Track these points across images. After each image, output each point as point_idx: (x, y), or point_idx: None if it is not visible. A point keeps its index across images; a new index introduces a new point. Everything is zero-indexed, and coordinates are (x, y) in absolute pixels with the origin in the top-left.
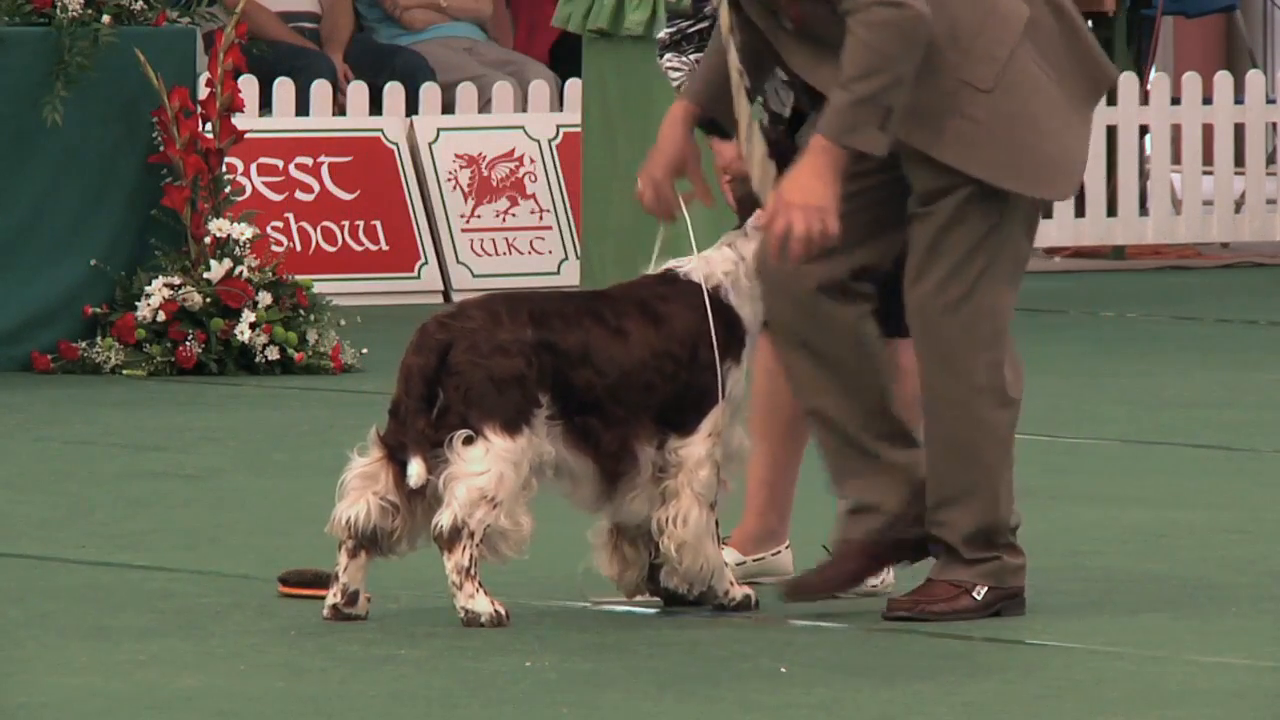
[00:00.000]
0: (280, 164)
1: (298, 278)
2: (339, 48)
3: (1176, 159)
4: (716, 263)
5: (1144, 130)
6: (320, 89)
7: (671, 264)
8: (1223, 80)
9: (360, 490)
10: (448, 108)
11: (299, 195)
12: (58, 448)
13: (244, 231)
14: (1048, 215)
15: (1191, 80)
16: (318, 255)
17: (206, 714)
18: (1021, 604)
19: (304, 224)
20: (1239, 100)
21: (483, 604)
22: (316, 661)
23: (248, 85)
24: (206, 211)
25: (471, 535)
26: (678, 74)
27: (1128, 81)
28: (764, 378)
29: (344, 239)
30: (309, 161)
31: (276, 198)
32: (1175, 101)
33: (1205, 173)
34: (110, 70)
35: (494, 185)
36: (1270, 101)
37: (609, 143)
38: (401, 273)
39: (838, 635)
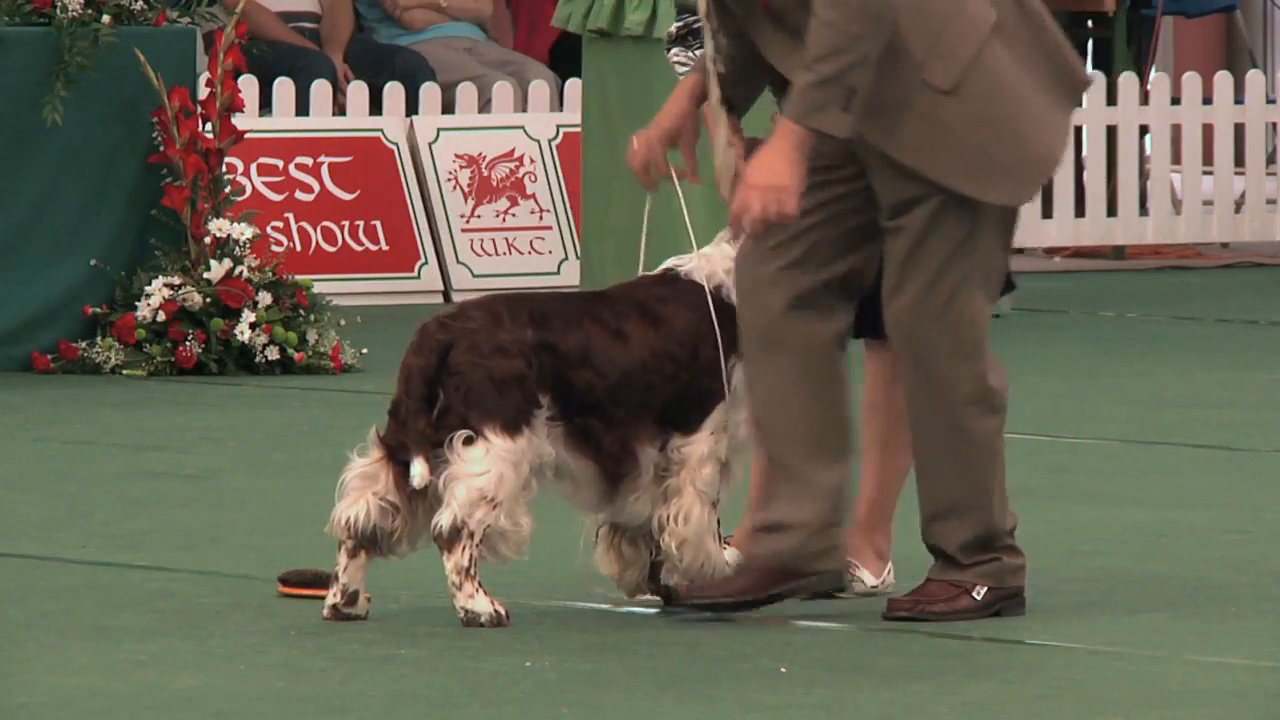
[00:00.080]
0: (280, 164)
1: (298, 278)
2: (339, 48)
3: (1176, 159)
4: (717, 261)
5: (1144, 130)
6: (320, 89)
7: (671, 263)
8: (1223, 80)
9: (360, 490)
10: (448, 108)
11: (299, 195)
12: (58, 448)
13: (244, 231)
14: (1047, 215)
15: (1191, 80)
16: (318, 255)
17: (206, 714)
18: (1021, 604)
19: (304, 224)
20: (1239, 100)
21: (482, 604)
22: (316, 661)
23: (248, 85)
24: (206, 211)
25: (471, 535)
26: (684, 69)
27: (1128, 81)
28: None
29: (344, 239)
30: (309, 161)
31: (276, 198)
32: (1175, 101)
33: (1205, 173)
34: (110, 70)
35: (494, 185)
36: (1270, 101)
37: (609, 143)
38: (401, 273)
39: (838, 635)
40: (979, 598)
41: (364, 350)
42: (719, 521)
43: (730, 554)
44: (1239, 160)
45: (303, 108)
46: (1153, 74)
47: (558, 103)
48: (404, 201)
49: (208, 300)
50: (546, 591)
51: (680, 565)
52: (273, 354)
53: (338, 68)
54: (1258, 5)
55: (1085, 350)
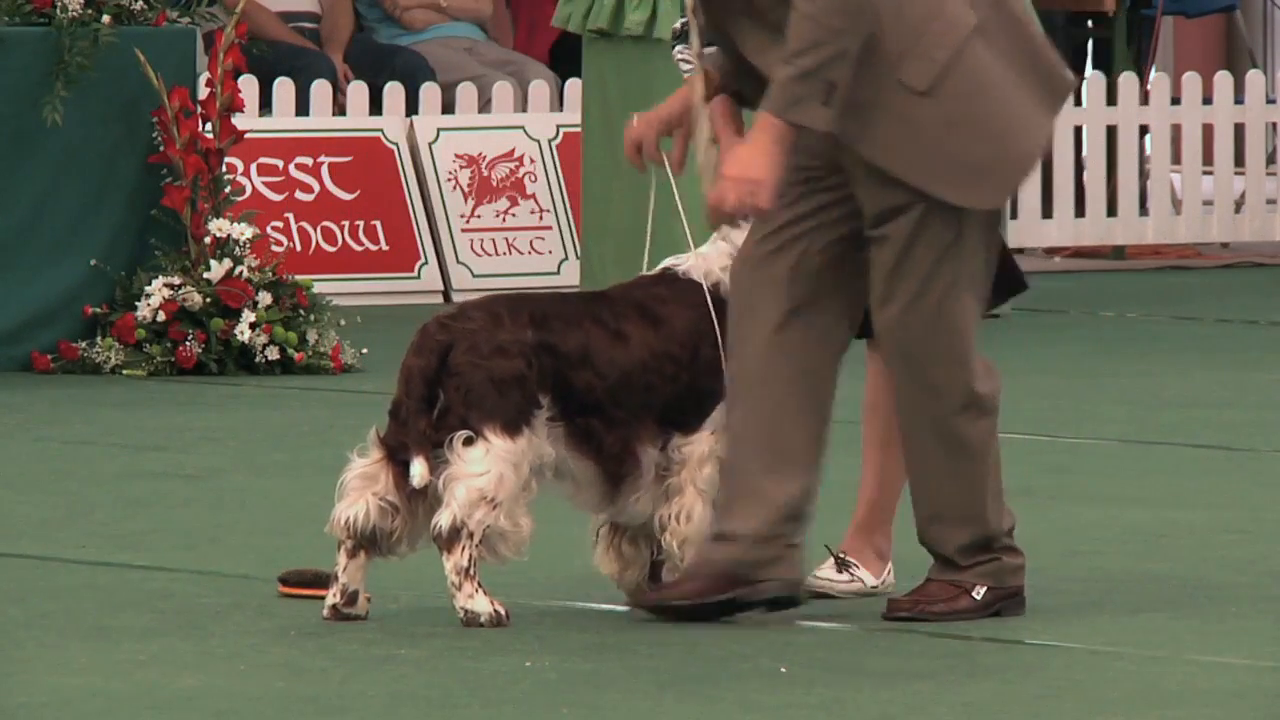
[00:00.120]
0: (280, 164)
1: (298, 278)
2: (339, 48)
3: (1176, 159)
4: (713, 259)
5: (1144, 130)
6: (320, 89)
7: (668, 262)
8: (1223, 80)
9: (360, 490)
10: (448, 108)
11: (299, 195)
12: (58, 448)
13: (244, 231)
14: (1047, 215)
15: (1191, 80)
16: (318, 255)
17: (206, 714)
18: (1021, 603)
19: (304, 224)
20: (1239, 100)
21: (482, 604)
22: (316, 661)
23: (248, 85)
24: (206, 211)
25: (471, 536)
26: (689, 65)
27: (1128, 81)
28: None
29: (344, 239)
30: (309, 161)
31: (276, 198)
32: (1175, 101)
33: (1205, 173)
34: (110, 70)
35: (494, 185)
36: (1270, 101)
37: (609, 143)
38: (401, 273)
39: (838, 635)
40: (979, 598)
41: (364, 350)
42: None
43: None
44: (1239, 160)
45: (303, 108)
46: (1153, 74)
47: (558, 103)
48: (404, 201)
49: (208, 300)
50: (546, 591)
51: (682, 564)
52: (273, 354)
53: (338, 68)
54: (1258, 5)
55: (1085, 350)
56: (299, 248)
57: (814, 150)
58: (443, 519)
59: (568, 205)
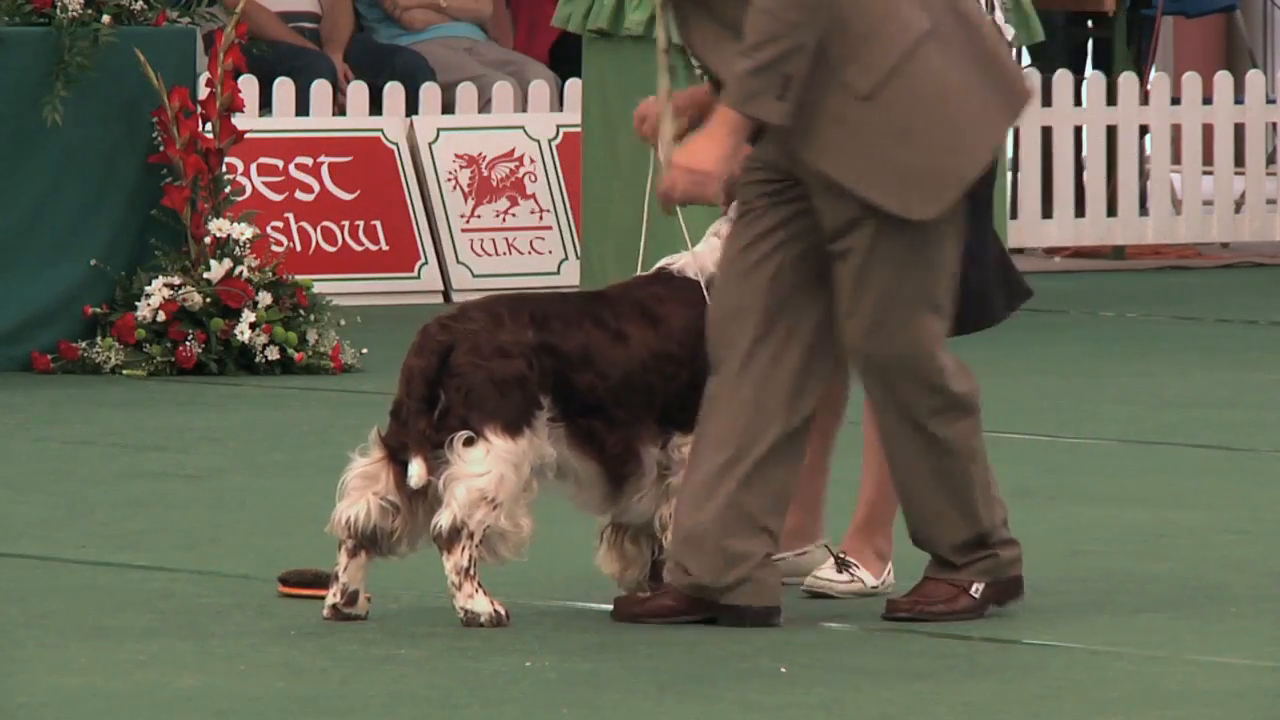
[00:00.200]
0: (280, 164)
1: (298, 278)
2: (339, 48)
3: (1176, 159)
4: (707, 256)
5: (1144, 130)
6: (320, 89)
7: (663, 262)
8: (1223, 80)
9: (361, 490)
10: (448, 108)
11: (299, 195)
12: (58, 448)
13: (244, 231)
14: (1047, 215)
15: (1191, 80)
16: (318, 255)
17: (206, 714)
18: (1020, 587)
19: (304, 224)
20: (1239, 100)
21: (482, 604)
22: (316, 661)
23: (248, 85)
24: (206, 211)
25: (471, 536)
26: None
27: (1128, 81)
28: None
29: (344, 239)
30: (309, 161)
31: (276, 198)
32: (1175, 101)
33: (1205, 173)
34: (110, 70)
35: (494, 185)
36: (1270, 101)
37: (609, 143)
38: (401, 273)
39: (838, 635)
40: (977, 596)
41: (364, 350)
42: None
43: None
44: (1239, 160)
45: (303, 108)
46: (1153, 74)
47: (558, 103)
48: (404, 201)
49: (208, 300)
50: (546, 591)
51: None
52: (273, 354)
53: (338, 68)
54: (1258, 5)
55: (1085, 350)
56: (299, 248)
57: (771, 164)
58: (443, 519)
59: (568, 205)
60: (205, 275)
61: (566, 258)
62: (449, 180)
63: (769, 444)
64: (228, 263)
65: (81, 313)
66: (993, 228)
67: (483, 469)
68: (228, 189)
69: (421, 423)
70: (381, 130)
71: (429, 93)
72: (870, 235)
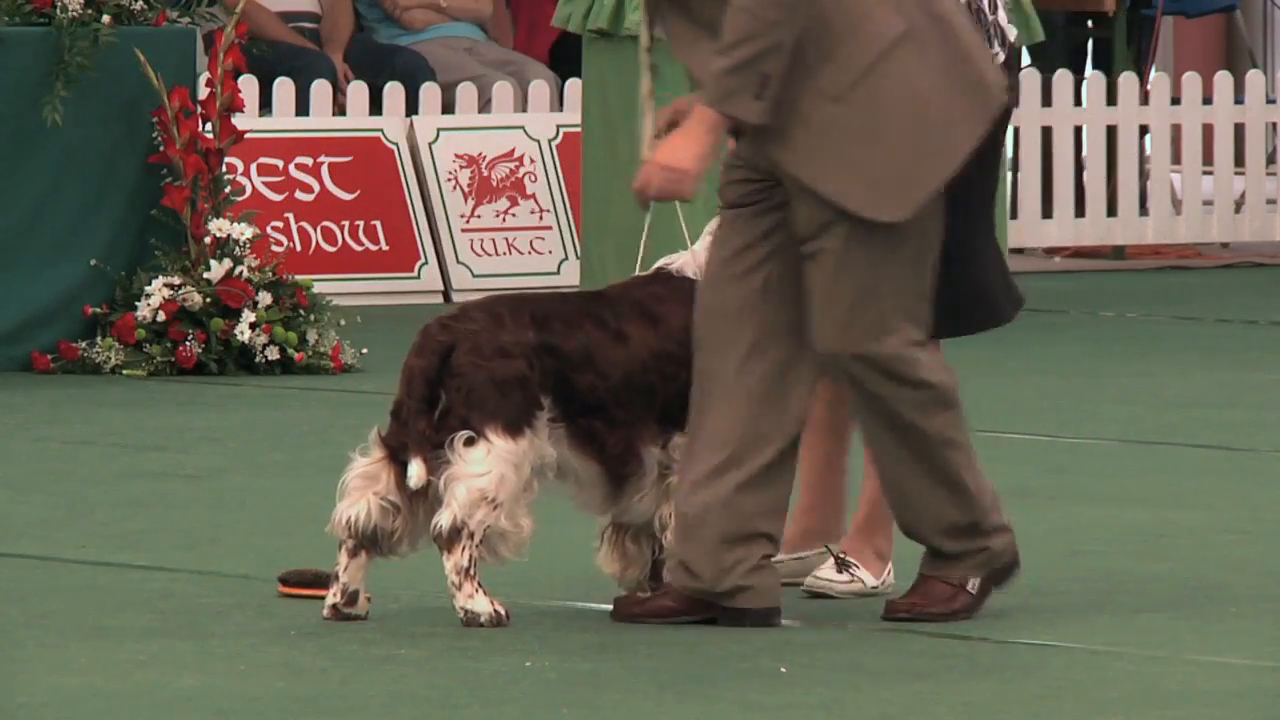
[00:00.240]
0: (280, 164)
1: (298, 278)
2: (339, 48)
3: (1176, 159)
4: (704, 256)
5: (1144, 130)
6: (320, 89)
7: (662, 262)
8: (1223, 80)
9: (361, 490)
10: (448, 108)
11: (299, 195)
12: (58, 448)
13: (244, 231)
14: (1047, 215)
15: (1191, 80)
16: (318, 255)
17: (206, 714)
18: (1016, 565)
19: (304, 224)
20: (1239, 100)
21: (482, 604)
22: (316, 661)
23: (248, 85)
24: (206, 211)
25: (471, 536)
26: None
27: (1128, 81)
28: None
29: (344, 239)
30: (309, 161)
31: (276, 198)
32: (1175, 101)
33: (1205, 173)
34: (110, 70)
35: (494, 185)
36: (1270, 101)
37: (609, 143)
38: (401, 273)
39: (838, 635)
40: (975, 590)
41: (364, 350)
42: None
43: None
44: (1239, 160)
45: (303, 108)
46: (1153, 74)
47: (558, 103)
48: (404, 201)
49: (208, 300)
50: (546, 591)
51: None
52: (273, 354)
53: (338, 68)
54: (1258, 5)
55: (1085, 350)
56: (299, 248)
57: (752, 163)
58: (443, 519)
59: (568, 205)
60: (205, 275)
61: (566, 258)
62: (449, 180)
63: (768, 458)
64: (228, 263)
65: (81, 313)
66: (994, 229)
67: (483, 469)
68: (228, 189)
69: (422, 423)
70: (381, 130)
71: (429, 93)
72: (842, 237)
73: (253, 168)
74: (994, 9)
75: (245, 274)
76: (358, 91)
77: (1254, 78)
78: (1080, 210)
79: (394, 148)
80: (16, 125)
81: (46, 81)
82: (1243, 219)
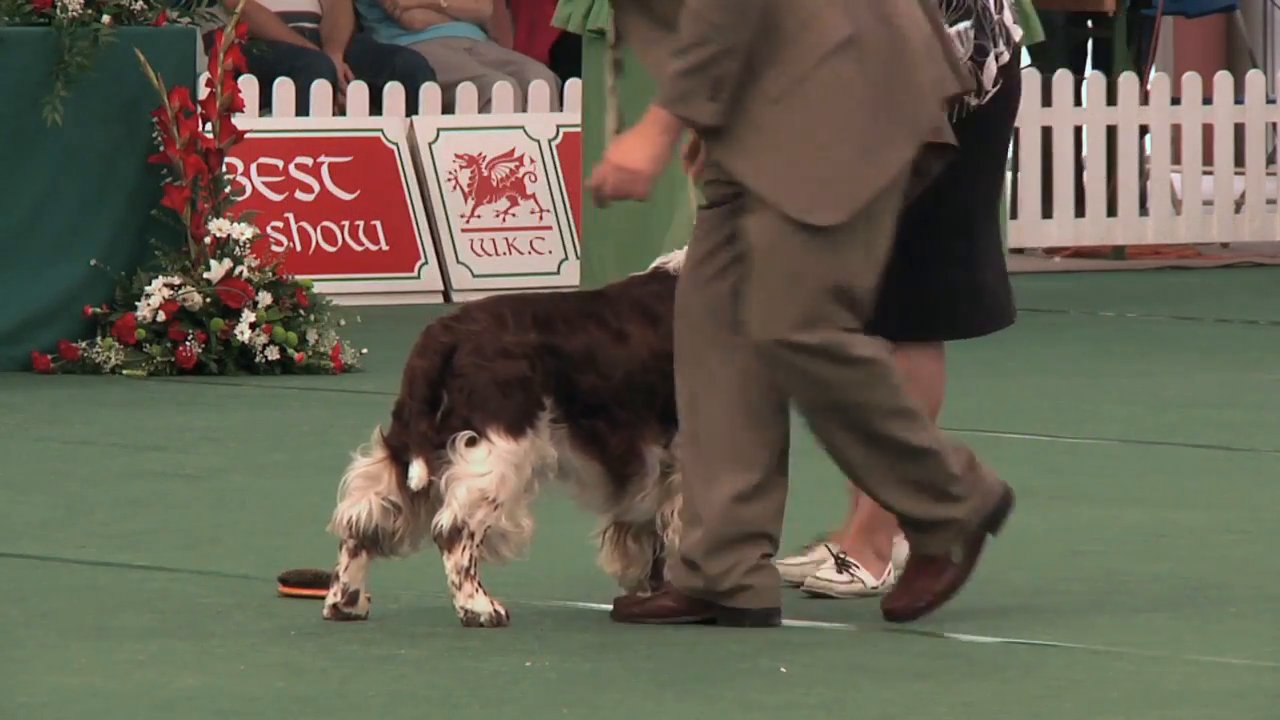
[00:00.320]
0: (280, 164)
1: (298, 278)
2: (339, 48)
3: (1176, 159)
4: None
5: (1144, 130)
6: (320, 89)
7: (660, 261)
8: (1223, 80)
9: (362, 490)
10: (448, 108)
11: (299, 195)
12: (58, 448)
13: (244, 231)
14: (1047, 215)
15: (1191, 80)
16: (318, 255)
17: (206, 714)
18: (1008, 507)
19: (304, 224)
20: (1239, 100)
21: (482, 604)
22: (316, 661)
23: (248, 85)
24: (206, 211)
25: (471, 536)
26: None
27: (1128, 81)
28: None
29: (344, 239)
30: (309, 161)
31: (276, 198)
32: (1175, 101)
33: (1205, 173)
34: (110, 70)
35: (494, 185)
36: (1270, 101)
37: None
38: (401, 273)
39: (838, 635)
40: (959, 560)
41: (364, 350)
42: None
43: (821, 551)
44: (1239, 160)
45: (303, 108)
46: (1153, 74)
47: (558, 103)
48: (404, 201)
49: (208, 300)
50: (546, 591)
51: None
52: (273, 354)
53: (338, 68)
54: (1258, 5)
55: (1085, 350)
56: (299, 248)
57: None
58: (444, 518)
59: (568, 205)
60: (205, 275)
61: (566, 258)
62: (449, 180)
63: (764, 471)
64: (228, 263)
65: (81, 313)
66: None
67: (484, 469)
68: (228, 189)
69: (423, 424)
70: (381, 130)
71: (429, 93)
72: (775, 227)
73: (253, 168)
74: (999, 8)
75: (245, 274)
76: (358, 91)
77: (1254, 78)
78: (1080, 210)
79: (394, 148)
80: (16, 125)
81: (46, 81)
82: (1243, 219)
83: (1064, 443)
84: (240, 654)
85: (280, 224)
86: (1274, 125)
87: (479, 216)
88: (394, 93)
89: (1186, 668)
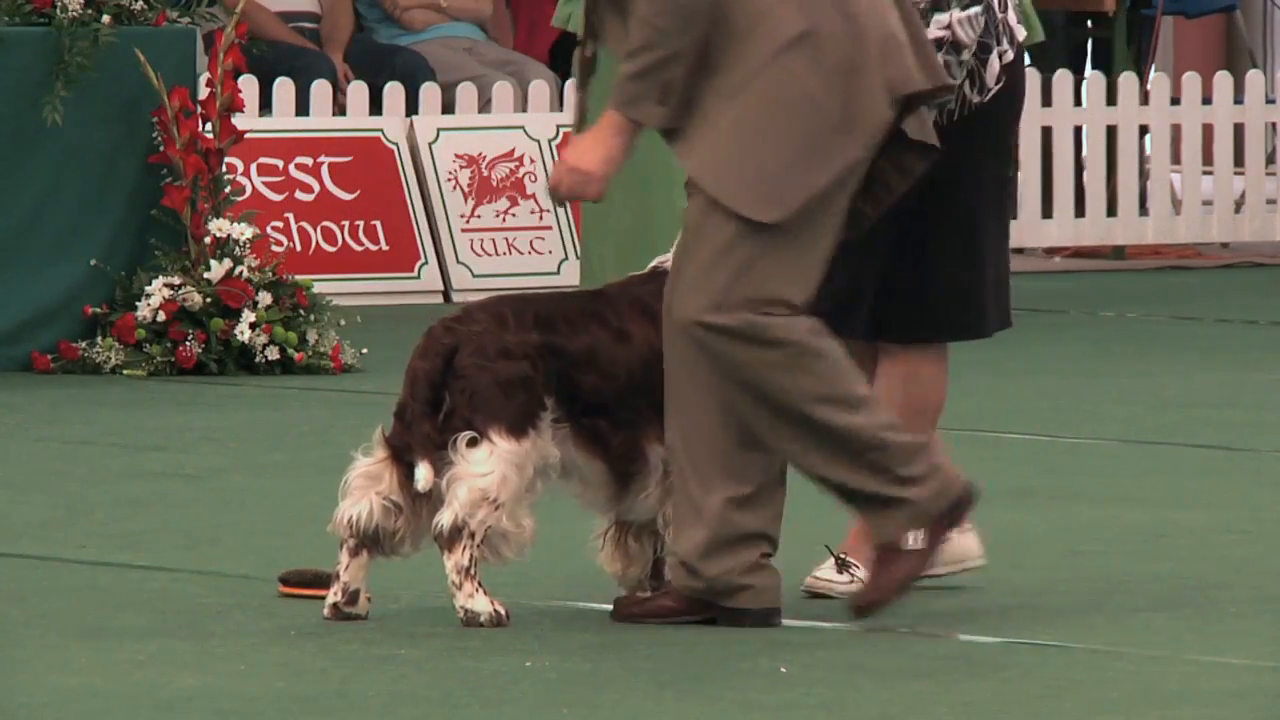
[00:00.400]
0: (280, 164)
1: (298, 278)
2: (339, 48)
3: (1176, 159)
4: None
5: (1144, 130)
6: (320, 89)
7: (658, 260)
8: (1222, 80)
9: (363, 489)
10: (448, 108)
11: (299, 195)
12: (58, 448)
13: (244, 231)
14: (1047, 215)
15: (1191, 80)
16: (318, 255)
17: (206, 714)
18: (966, 506)
19: (304, 224)
20: (1239, 100)
21: (482, 604)
22: (316, 661)
23: (248, 85)
24: (206, 211)
25: (472, 535)
26: None
27: (1128, 81)
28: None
29: (344, 239)
30: (309, 161)
31: (276, 198)
32: (1175, 101)
33: (1205, 173)
34: (110, 70)
35: (494, 185)
36: (1270, 101)
37: None
38: (401, 273)
39: (838, 635)
40: (922, 544)
41: (364, 350)
42: None
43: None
44: (1239, 160)
45: (303, 108)
46: (1152, 74)
47: (558, 103)
48: (404, 201)
49: (208, 300)
50: (546, 591)
51: None
52: (273, 354)
53: (338, 68)
54: (1258, 5)
55: (1085, 350)
56: (299, 248)
57: None
58: (444, 518)
59: (568, 205)
60: (205, 275)
61: (566, 258)
62: (449, 180)
63: (759, 481)
64: (228, 263)
65: (81, 313)
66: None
67: (485, 469)
68: (228, 189)
69: (426, 425)
70: (381, 130)
71: (429, 93)
72: (700, 206)
73: (253, 168)
74: (1003, 8)
75: (245, 274)
76: (358, 91)
77: (1254, 78)
78: (1080, 210)
79: (394, 148)
80: (16, 125)
81: (46, 81)
82: (1243, 219)
83: (1064, 443)
84: (240, 654)
85: (280, 224)
86: (1274, 125)
87: (479, 216)
88: (394, 93)
89: (1186, 668)
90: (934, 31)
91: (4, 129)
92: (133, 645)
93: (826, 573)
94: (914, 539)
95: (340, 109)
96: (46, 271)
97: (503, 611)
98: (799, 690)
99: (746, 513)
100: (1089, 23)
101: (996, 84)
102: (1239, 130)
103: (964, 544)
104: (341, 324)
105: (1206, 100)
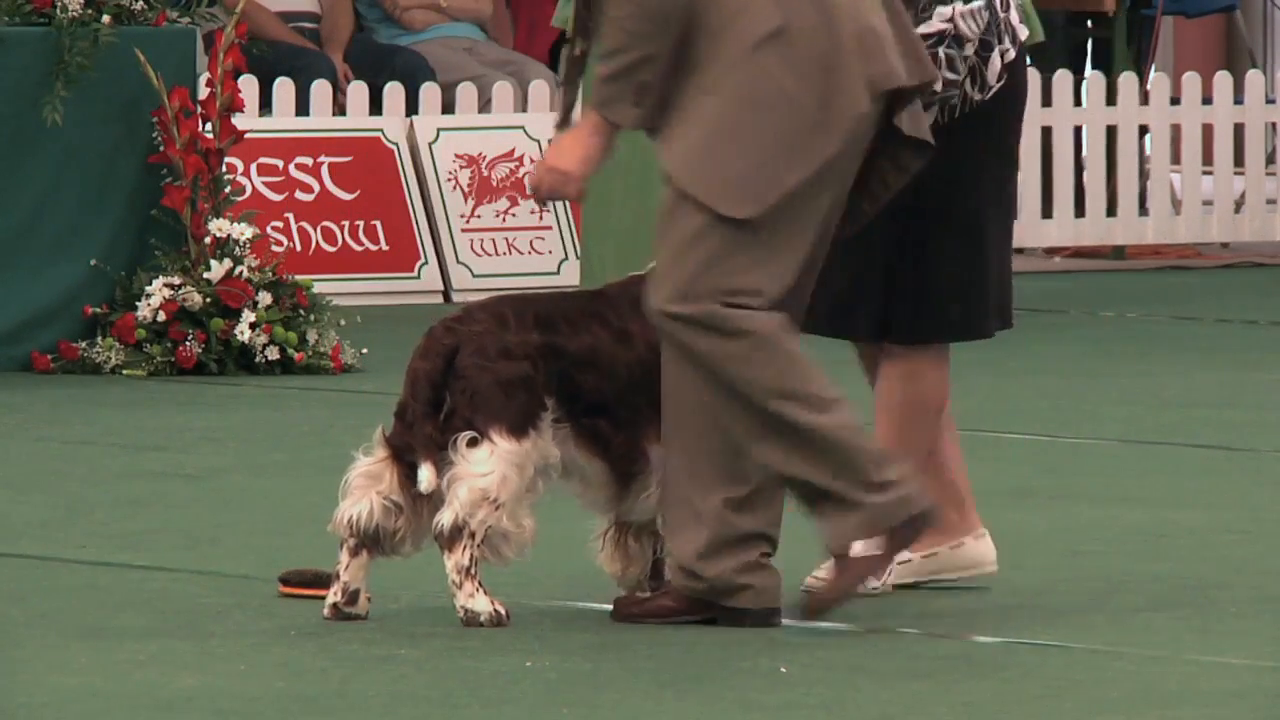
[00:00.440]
0: (280, 164)
1: (298, 278)
2: (339, 48)
3: (1176, 159)
4: None
5: (1144, 130)
6: (320, 89)
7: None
8: (1222, 80)
9: (364, 489)
10: (448, 108)
11: (299, 195)
12: (58, 448)
13: (244, 231)
14: (1047, 215)
15: (1191, 80)
16: (318, 255)
17: (206, 714)
18: (928, 522)
19: (304, 224)
20: (1239, 100)
21: (482, 603)
22: (316, 661)
23: (248, 85)
24: (206, 211)
25: (472, 535)
26: None
27: (1128, 81)
28: (900, 384)
29: (344, 239)
30: (309, 161)
31: (276, 198)
32: (1175, 101)
33: (1205, 173)
34: (110, 70)
35: (494, 185)
36: (1270, 101)
37: None
38: (401, 273)
39: (838, 635)
40: (882, 550)
41: (364, 350)
42: None
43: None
44: (1239, 160)
45: (303, 108)
46: (1152, 74)
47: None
48: (404, 201)
49: (208, 300)
50: (546, 591)
51: None
52: (273, 354)
53: (338, 68)
54: (1258, 5)
55: (1085, 350)
56: (299, 248)
57: None
58: (444, 518)
59: (568, 205)
60: (205, 275)
61: (566, 258)
62: (449, 180)
63: (757, 478)
64: (228, 263)
65: (81, 313)
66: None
67: (486, 469)
68: (228, 189)
69: (428, 426)
70: (381, 130)
71: (429, 93)
72: (672, 197)
73: (253, 168)
74: (1005, 7)
75: (245, 274)
76: (358, 91)
77: (1254, 78)
78: (1080, 210)
79: (394, 148)
80: (16, 125)
81: (46, 81)
82: (1242, 219)
83: (1064, 443)
84: (240, 654)
85: (280, 224)
86: (1274, 125)
87: (479, 216)
88: (394, 93)
89: (1186, 668)
90: (937, 24)
91: (4, 129)
92: (133, 645)
93: (826, 573)
94: (862, 547)
95: (340, 109)
96: (46, 271)
97: (503, 611)
98: (799, 690)
99: (745, 513)
100: (1089, 23)
101: (998, 82)
102: (1239, 130)
103: (980, 549)
104: (341, 324)
105: (1206, 100)
